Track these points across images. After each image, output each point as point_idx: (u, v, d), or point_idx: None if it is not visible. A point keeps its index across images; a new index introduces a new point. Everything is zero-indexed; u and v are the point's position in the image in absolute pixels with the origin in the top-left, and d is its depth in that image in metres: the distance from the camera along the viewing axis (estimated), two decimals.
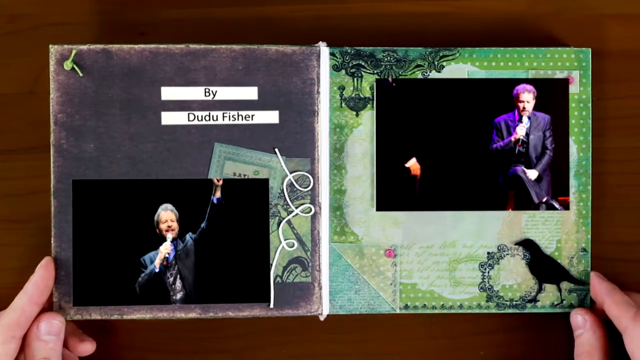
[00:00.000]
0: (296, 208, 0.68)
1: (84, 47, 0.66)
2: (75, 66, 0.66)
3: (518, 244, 0.69)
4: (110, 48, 0.67)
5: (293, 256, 0.68)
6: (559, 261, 0.69)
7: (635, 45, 0.72)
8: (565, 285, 0.69)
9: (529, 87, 0.69)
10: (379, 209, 0.69)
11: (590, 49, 0.69)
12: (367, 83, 0.69)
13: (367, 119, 0.69)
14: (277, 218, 0.68)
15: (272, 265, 0.68)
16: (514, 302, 0.69)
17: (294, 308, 0.68)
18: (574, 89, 0.69)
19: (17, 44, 0.70)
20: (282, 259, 0.68)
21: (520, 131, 0.69)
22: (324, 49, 0.68)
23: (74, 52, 0.66)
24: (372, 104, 0.69)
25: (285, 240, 0.68)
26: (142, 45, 0.67)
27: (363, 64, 0.69)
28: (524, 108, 0.69)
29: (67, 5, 0.71)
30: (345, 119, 0.69)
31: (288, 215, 0.68)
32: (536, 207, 0.69)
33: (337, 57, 0.68)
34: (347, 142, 0.69)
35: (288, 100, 0.68)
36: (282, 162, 0.68)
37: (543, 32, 0.71)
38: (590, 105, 0.69)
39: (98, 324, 0.70)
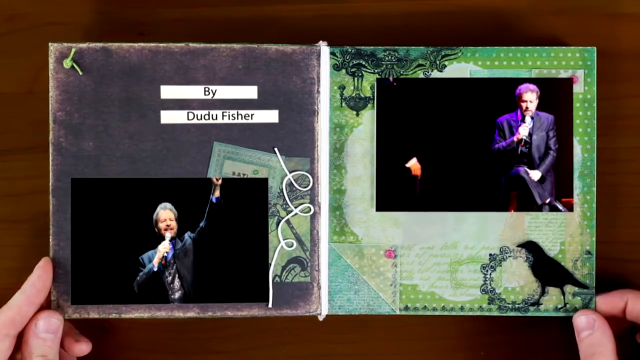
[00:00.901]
0: (295, 208, 0.68)
1: (84, 45, 0.67)
2: (74, 64, 0.66)
3: (521, 245, 0.68)
4: (109, 46, 0.67)
5: (292, 256, 0.68)
6: (562, 264, 0.68)
7: None
8: (569, 288, 0.68)
9: (532, 86, 0.68)
10: (379, 209, 0.68)
11: (595, 48, 0.68)
12: (368, 82, 0.68)
13: (368, 119, 0.68)
14: (276, 218, 0.68)
15: (270, 264, 0.67)
16: (517, 305, 0.68)
17: (293, 308, 0.68)
18: (578, 88, 0.68)
19: (16, 43, 0.71)
20: (281, 258, 0.68)
21: (523, 131, 0.68)
22: (324, 48, 0.68)
23: (73, 50, 0.66)
24: (373, 103, 0.68)
25: (284, 239, 0.68)
26: (142, 44, 0.67)
27: (364, 63, 0.68)
28: (526, 108, 0.68)
29: (67, 5, 0.71)
30: (345, 118, 0.68)
31: (287, 214, 0.68)
32: (539, 208, 0.68)
33: (337, 57, 0.68)
34: (347, 141, 0.68)
35: (288, 99, 0.67)
36: (282, 162, 0.68)
37: (546, 30, 0.70)
38: (595, 105, 0.68)
39: (97, 324, 0.70)
